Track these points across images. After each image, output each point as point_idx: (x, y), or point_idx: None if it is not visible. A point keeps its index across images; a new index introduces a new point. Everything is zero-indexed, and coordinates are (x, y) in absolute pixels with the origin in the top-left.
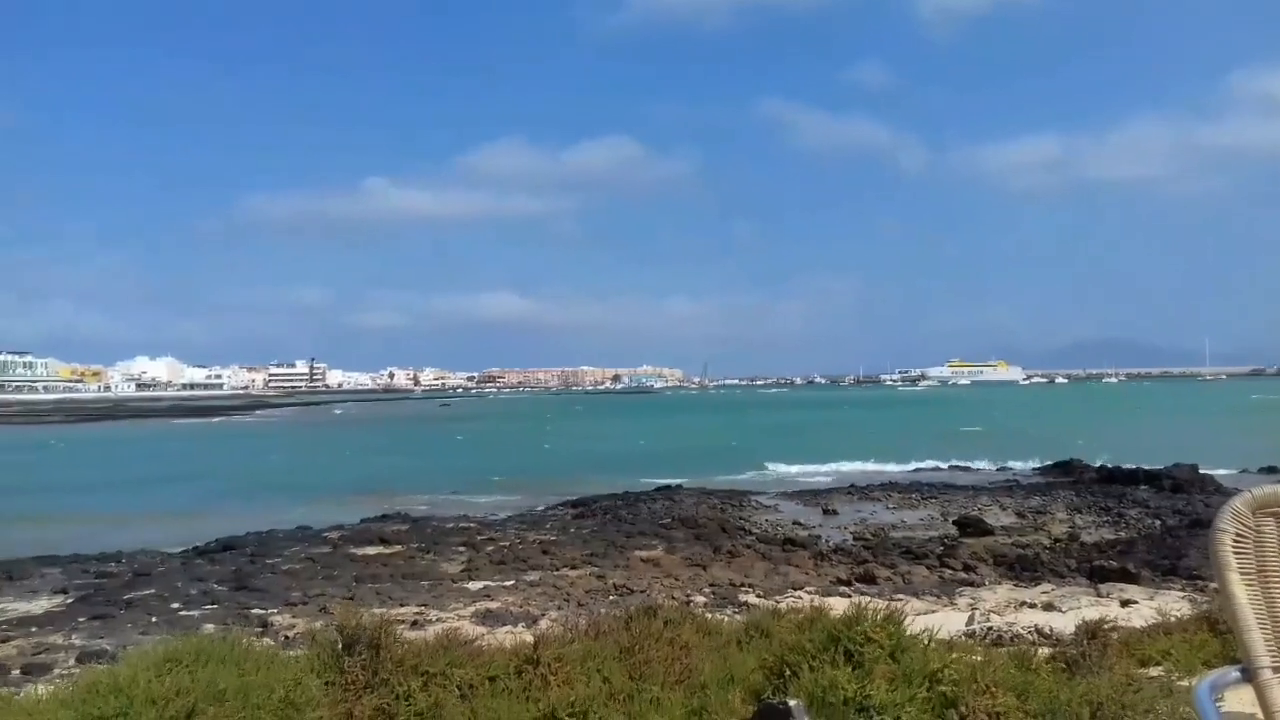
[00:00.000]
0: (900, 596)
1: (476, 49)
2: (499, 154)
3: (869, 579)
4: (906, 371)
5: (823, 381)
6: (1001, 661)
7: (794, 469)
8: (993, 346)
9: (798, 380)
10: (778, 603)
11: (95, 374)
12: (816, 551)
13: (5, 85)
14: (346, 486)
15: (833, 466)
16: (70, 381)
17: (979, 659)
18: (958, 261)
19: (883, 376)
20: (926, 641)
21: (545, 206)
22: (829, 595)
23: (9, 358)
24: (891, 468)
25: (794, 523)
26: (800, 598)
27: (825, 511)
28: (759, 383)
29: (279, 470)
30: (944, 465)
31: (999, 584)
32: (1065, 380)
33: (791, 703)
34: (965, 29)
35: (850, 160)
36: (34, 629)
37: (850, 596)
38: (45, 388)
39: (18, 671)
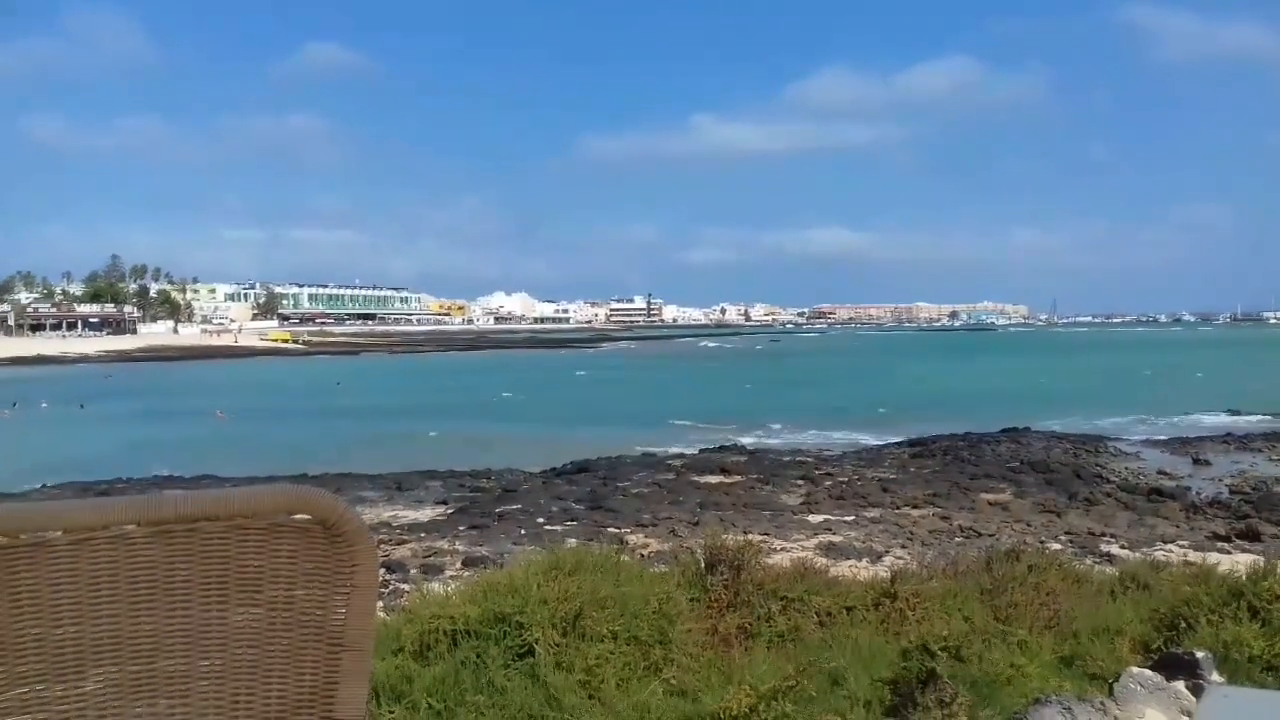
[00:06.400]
0: None
1: None
2: (826, 82)
3: (1252, 535)
4: None
5: (1191, 319)
6: None
7: (1148, 416)
8: None
9: (1162, 318)
10: (1146, 555)
11: (460, 308)
12: (1188, 503)
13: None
14: (683, 415)
15: (1199, 414)
16: (438, 314)
17: None
18: None
19: (1265, 314)
20: None
21: (876, 135)
22: (1204, 551)
23: (389, 293)
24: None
25: (1158, 472)
26: (1170, 551)
27: (1195, 461)
28: (1115, 320)
29: (625, 399)
30: None
31: None
32: None
33: (1199, 654)
34: None
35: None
36: (423, 534)
37: (1230, 553)
38: (418, 320)
39: (415, 570)
